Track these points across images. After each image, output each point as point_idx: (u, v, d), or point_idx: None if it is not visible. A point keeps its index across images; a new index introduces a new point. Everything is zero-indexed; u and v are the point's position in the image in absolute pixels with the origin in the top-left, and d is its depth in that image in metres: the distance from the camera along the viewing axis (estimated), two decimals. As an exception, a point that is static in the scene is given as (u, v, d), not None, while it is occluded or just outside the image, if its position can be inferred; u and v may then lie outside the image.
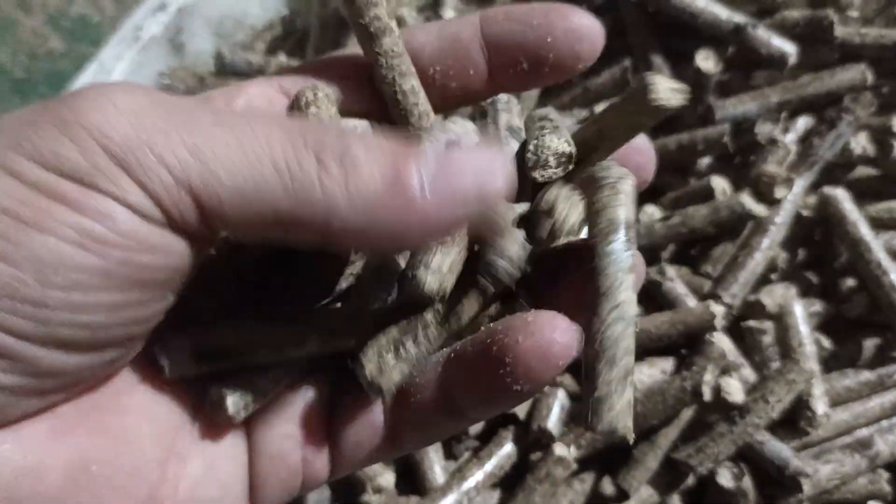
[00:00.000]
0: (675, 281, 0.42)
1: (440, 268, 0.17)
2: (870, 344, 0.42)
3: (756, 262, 0.42)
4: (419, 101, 0.21)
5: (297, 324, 0.20)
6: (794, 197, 0.42)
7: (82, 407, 0.17)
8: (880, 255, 0.41)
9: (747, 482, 0.39)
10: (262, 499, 0.20)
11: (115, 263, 0.16)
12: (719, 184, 0.44)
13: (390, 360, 0.18)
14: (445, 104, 0.22)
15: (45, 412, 0.17)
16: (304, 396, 0.20)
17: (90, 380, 0.17)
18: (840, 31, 0.44)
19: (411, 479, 0.41)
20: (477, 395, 0.19)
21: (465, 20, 0.21)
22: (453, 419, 0.20)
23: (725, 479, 0.39)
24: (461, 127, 0.20)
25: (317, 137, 0.16)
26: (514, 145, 0.20)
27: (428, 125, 0.21)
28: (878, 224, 0.43)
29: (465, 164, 0.16)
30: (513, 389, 0.18)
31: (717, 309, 0.39)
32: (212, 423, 0.19)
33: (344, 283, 0.21)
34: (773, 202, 0.42)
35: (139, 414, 0.18)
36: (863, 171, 0.45)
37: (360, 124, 0.21)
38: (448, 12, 0.45)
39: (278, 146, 0.16)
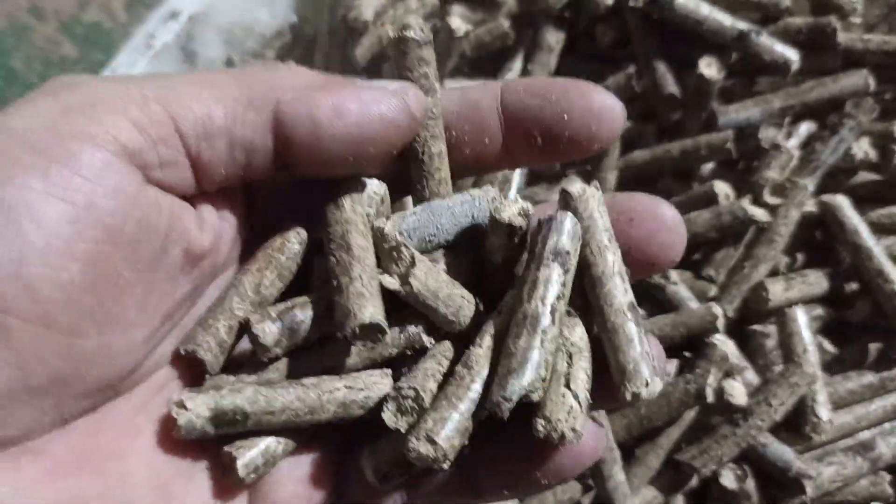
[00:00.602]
0: (679, 285, 0.42)
1: (448, 438, 0.18)
2: (872, 347, 0.42)
3: (760, 274, 0.42)
4: (442, 167, 0.21)
5: (316, 389, 0.19)
6: (799, 205, 0.43)
7: (84, 449, 0.17)
8: (882, 261, 0.41)
9: (750, 484, 0.39)
10: None
11: (83, 209, 0.16)
12: (722, 189, 0.44)
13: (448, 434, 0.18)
14: (455, 169, 0.21)
15: (45, 453, 0.17)
16: (313, 459, 0.20)
17: (97, 382, 0.17)
18: (843, 37, 0.45)
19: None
20: (502, 481, 0.19)
21: (486, 88, 0.21)
22: (470, 498, 0.20)
23: (729, 480, 0.39)
24: (483, 192, 0.21)
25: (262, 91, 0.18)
26: (557, 271, 0.18)
27: (445, 192, 0.21)
28: (880, 229, 0.43)
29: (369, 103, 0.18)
30: (540, 483, 0.19)
31: (719, 311, 0.39)
32: (216, 477, 0.19)
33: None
34: (774, 208, 0.43)
35: (139, 459, 0.18)
36: (864, 176, 0.46)
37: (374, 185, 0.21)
38: (455, 21, 0.46)
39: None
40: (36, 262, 0.15)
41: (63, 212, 0.16)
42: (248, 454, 0.19)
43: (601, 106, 0.20)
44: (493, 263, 0.20)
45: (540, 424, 0.18)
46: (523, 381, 0.17)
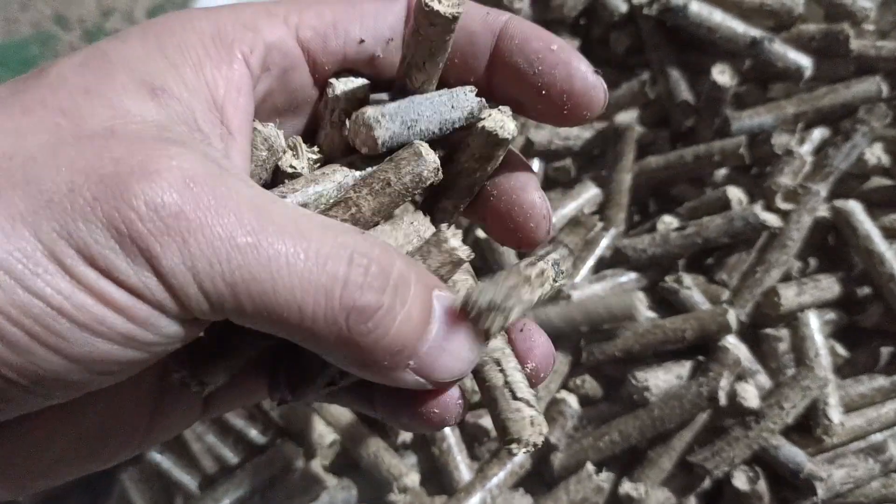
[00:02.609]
0: (693, 289, 0.43)
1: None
2: (883, 351, 0.43)
3: (772, 279, 0.43)
4: (434, 74, 0.21)
5: None
6: (811, 211, 0.43)
7: None
8: (894, 266, 0.41)
9: (762, 485, 0.40)
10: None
11: (146, 355, 0.17)
12: (735, 194, 0.44)
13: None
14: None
15: None
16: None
17: None
18: (855, 44, 0.45)
19: (436, 478, 0.43)
20: (390, 412, 0.21)
21: (488, 21, 0.21)
22: (369, 411, 0.22)
23: (741, 481, 0.40)
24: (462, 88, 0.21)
25: (350, 295, 0.17)
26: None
27: (429, 89, 0.22)
28: (892, 234, 0.43)
29: (451, 358, 0.19)
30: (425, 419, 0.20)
31: (731, 315, 0.40)
32: None
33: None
34: (786, 213, 0.43)
35: None
36: (877, 181, 0.46)
37: (358, 82, 0.22)
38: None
39: (315, 292, 0.17)
40: None
41: None
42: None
43: (582, 89, 0.20)
44: (465, 165, 0.21)
45: (514, 448, 0.19)
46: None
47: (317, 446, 0.42)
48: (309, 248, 0.17)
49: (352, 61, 0.21)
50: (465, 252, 0.20)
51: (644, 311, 0.18)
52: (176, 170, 0.16)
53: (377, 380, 0.19)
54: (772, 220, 0.42)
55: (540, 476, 0.42)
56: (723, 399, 0.39)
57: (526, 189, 0.21)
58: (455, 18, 0.19)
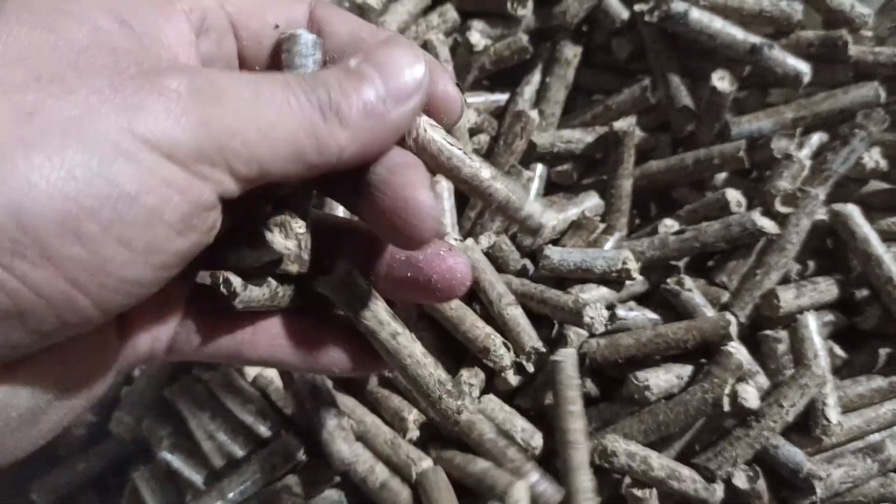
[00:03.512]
0: (693, 291, 0.44)
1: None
2: (881, 353, 0.44)
3: (772, 281, 0.43)
4: None
5: None
6: (810, 214, 0.44)
7: None
8: (892, 268, 0.42)
9: (762, 484, 0.41)
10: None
11: (192, 245, 0.18)
12: (733, 196, 0.45)
13: None
14: None
15: None
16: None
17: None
18: (854, 50, 0.46)
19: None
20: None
21: (376, 35, 0.23)
22: None
23: (741, 480, 0.40)
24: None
25: (314, 93, 0.19)
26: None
27: None
28: (890, 237, 0.44)
29: (399, 68, 0.21)
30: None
31: (733, 327, 0.41)
32: None
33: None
34: (785, 217, 0.44)
35: None
36: (875, 185, 0.47)
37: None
38: (475, 36, 0.47)
39: (300, 110, 0.19)
40: None
41: None
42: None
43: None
44: None
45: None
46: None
47: (403, 423, 0.44)
48: (279, 84, 0.19)
49: (266, 44, 0.23)
50: None
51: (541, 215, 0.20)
52: (182, 64, 0.19)
53: (386, 139, 0.21)
54: (769, 226, 0.43)
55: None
56: (727, 405, 0.39)
57: (414, 187, 0.21)
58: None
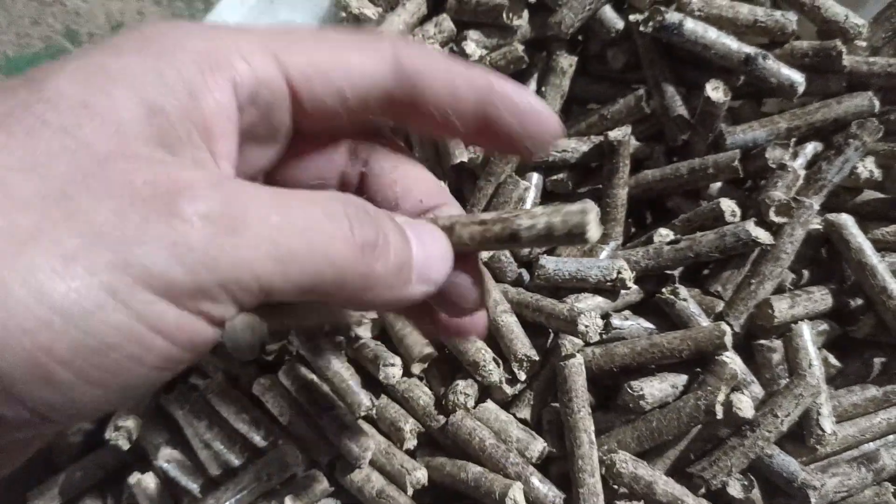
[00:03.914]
0: (689, 301, 0.44)
1: None
2: (875, 362, 0.44)
3: (766, 291, 0.44)
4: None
5: None
6: (804, 224, 0.44)
7: None
8: (886, 278, 0.42)
9: (756, 494, 0.41)
10: None
11: (174, 372, 0.18)
12: (728, 205, 0.45)
13: None
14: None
15: None
16: None
17: None
18: (848, 60, 0.46)
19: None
20: None
21: (472, 82, 0.23)
22: None
23: (735, 490, 0.41)
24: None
25: (360, 226, 0.19)
26: None
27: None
28: (884, 247, 0.44)
29: (435, 260, 0.22)
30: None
31: (728, 337, 0.41)
32: None
33: None
34: (779, 227, 0.44)
35: None
36: (869, 194, 0.47)
37: None
38: (470, 46, 0.47)
39: (338, 242, 0.18)
40: None
41: None
42: None
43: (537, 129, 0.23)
44: None
45: None
46: None
47: (400, 433, 0.44)
48: (320, 210, 0.19)
49: (329, 108, 0.22)
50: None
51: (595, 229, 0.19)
52: (204, 179, 0.17)
53: (394, 304, 0.21)
54: (763, 236, 0.43)
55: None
56: (720, 413, 0.39)
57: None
58: None
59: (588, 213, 0.20)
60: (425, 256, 0.21)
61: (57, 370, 0.15)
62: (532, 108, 0.23)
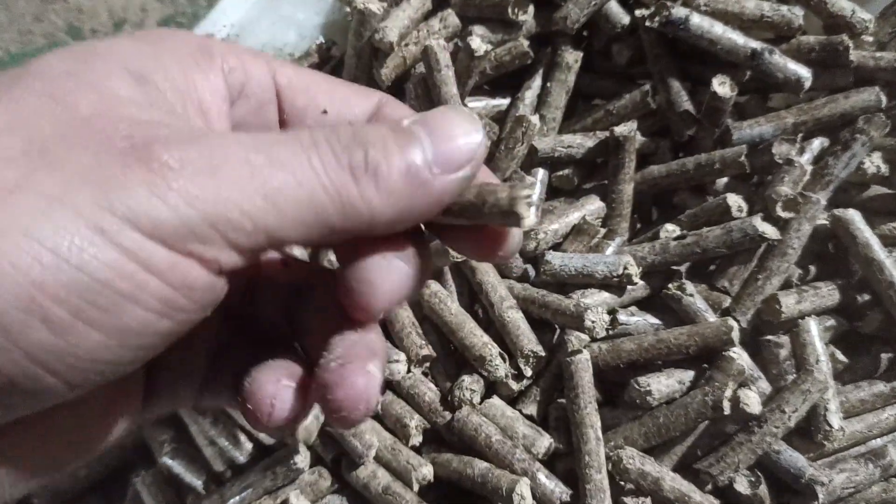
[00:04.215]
0: (695, 296, 0.44)
1: None
2: (883, 358, 0.44)
3: (773, 286, 0.43)
4: None
5: None
6: (811, 219, 0.44)
7: None
8: (893, 273, 0.42)
9: (764, 489, 0.41)
10: None
11: (180, 324, 0.17)
12: (734, 201, 0.45)
13: None
14: None
15: None
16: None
17: None
18: (855, 55, 0.46)
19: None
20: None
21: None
22: None
23: (743, 486, 0.41)
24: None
25: (347, 151, 0.18)
26: None
27: None
28: (891, 242, 0.44)
29: (452, 132, 0.19)
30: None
31: (735, 332, 0.41)
32: None
33: None
34: (786, 222, 0.44)
35: None
36: (876, 189, 0.47)
37: None
38: (475, 42, 0.47)
39: (324, 171, 0.18)
40: None
41: None
42: None
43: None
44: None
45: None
46: None
47: (405, 429, 0.43)
48: (299, 143, 0.18)
49: (308, 126, 0.23)
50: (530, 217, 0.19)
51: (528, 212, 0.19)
52: (181, 131, 0.17)
53: (431, 207, 0.19)
54: (770, 231, 0.43)
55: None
56: (727, 409, 0.39)
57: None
58: None
59: (519, 190, 0.19)
60: (441, 141, 0.19)
61: (52, 307, 0.15)
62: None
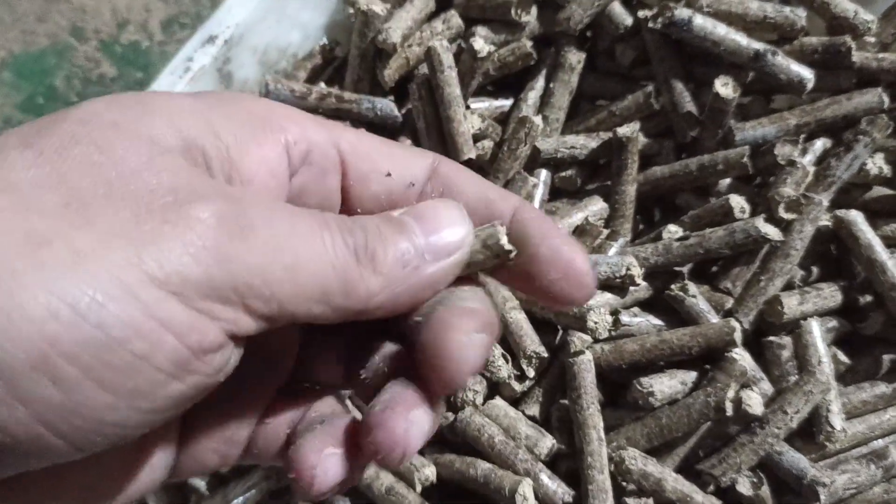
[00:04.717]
0: (698, 297, 0.44)
1: None
2: (885, 359, 0.44)
3: (776, 287, 0.43)
4: None
5: None
6: (814, 220, 0.44)
7: None
8: (895, 274, 0.42)
9: (766, 490, 0.41)
10: None
11: (191, 388, 0.17)
12: (737, 202, 0.45)
13: None
14: None
15: None
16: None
17: None
18: (857, 56, 0.46)
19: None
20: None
21: (506, 199, 0.23)
22: None
23: (745, 487, 0.41)
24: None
25: (351, 234, 0.19)
26: None
27: None
28: (894, 243, 0.44)
29: (439, 223, 0.20)
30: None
31: (738, 333, 0.41)
32: None
33: None
34: (789, 223, 0.44)
35: None
36: (878, 191, 0.47)
37: None
38: (479, 43, 0.47)
39: (334, 250, 0.18)
40: None
41: None
42: None
43: (577, 281, 0.21)
44: None
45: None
46: None
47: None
48: (315, 221, 0.19)
49: (374, 189, 0.23)
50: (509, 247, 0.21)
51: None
52: (218, 191, 0.18)
53: (423, 292, 0.20)
54: (773, 232, 0.43)
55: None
56: (730, 410, 0.39)
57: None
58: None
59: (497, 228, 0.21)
60: (430, 231, 0.20)
61: (62, 365, 0.15)
62: (577, 269, 0.21)
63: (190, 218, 0.16)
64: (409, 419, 0.19)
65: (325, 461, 0.21)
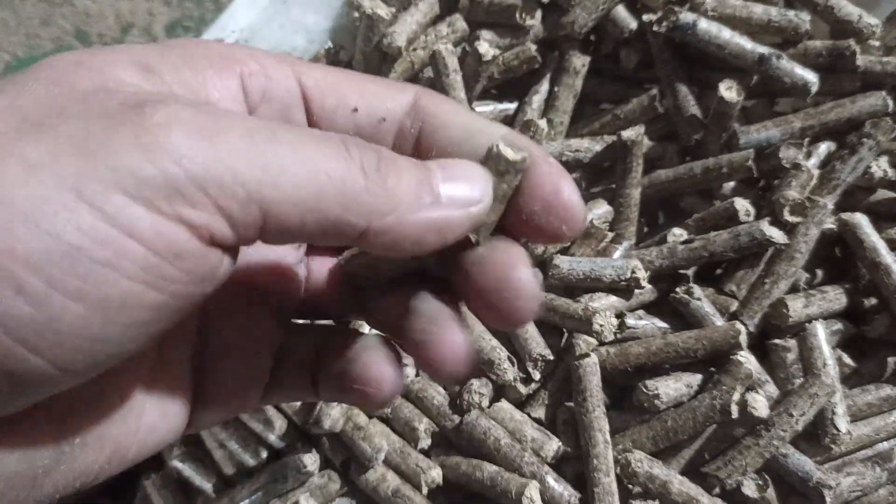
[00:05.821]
0: (703, 300, 0.44)
1: None
2: (890, 361, 0.44)
3: (780, 290, 0.44)
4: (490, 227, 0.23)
5: None
6: (818, 223, 0.44)
7: None
8: (900, 277, 0.42)
9: (771, 493, 0.41)
10: None
11: (174, 297, 0.16)
12: (742, 205, 0.45)
13: None
14: None
15: None
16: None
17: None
18: (862, 60, 0.46)
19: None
20: None
21: (493, 128, 0.22)
22: None
23: (750, 489, 0.41)
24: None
25: (358, 150, 0.18)
26: None
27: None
28: (898, 246, 0.44)
29: (462, 178, 0.19)
30: None
31: (743, 336, 0.41)
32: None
33: None
34: (793, 226, 0.44)
35: None
36: (883, 194, 0.47)
37: None
38: (483, 46, 0.48)
39: (332, 159, 0.17)
40: None
41: None
42: None
43: (563, 213, 0.21)
44: None
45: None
46: None
47: (414, 432, 0.44)
48: (310, 133, 0.18)
49: (340, 126, 0.22)
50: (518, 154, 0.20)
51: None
52: (182, 98, 0.17)
53: (428, 232, 0.18)
54: (777, 236, 0.43)
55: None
56: (735, 413, 0.39)
57: (516, 266, 0.20)
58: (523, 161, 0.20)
59: None
60: (451, 178, 0.19)
61: (26, 276, 0.14)
62: (563, 200, 0.21)
63: (144, 119, 0.16)
64: (457, 331, 0.20)
65: (386, 371, 0.22)
